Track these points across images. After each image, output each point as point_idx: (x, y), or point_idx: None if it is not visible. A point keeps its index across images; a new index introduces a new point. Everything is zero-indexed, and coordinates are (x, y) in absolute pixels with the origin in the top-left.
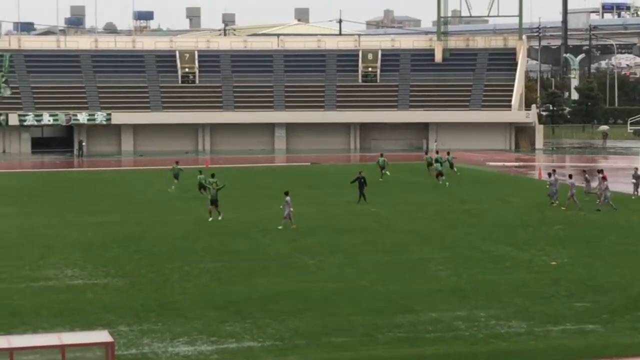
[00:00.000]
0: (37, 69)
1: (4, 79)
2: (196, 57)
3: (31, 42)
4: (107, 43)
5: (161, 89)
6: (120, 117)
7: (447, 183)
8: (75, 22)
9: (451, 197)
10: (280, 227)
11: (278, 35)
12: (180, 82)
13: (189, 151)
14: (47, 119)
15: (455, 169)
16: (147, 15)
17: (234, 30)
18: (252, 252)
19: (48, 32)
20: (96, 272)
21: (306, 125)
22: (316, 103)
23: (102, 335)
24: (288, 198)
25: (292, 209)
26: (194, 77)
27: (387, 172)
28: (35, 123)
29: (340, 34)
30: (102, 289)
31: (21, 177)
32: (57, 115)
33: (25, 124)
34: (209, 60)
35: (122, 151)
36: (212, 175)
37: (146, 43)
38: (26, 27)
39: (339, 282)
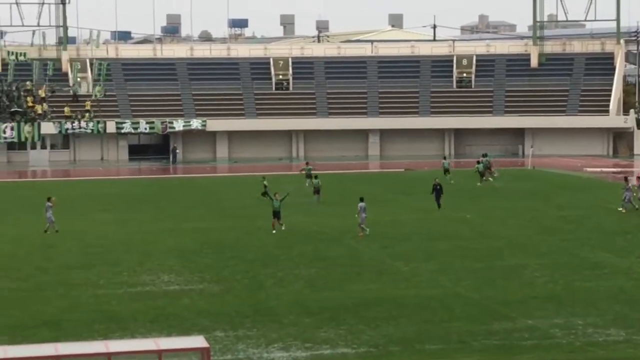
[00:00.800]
0: (134, 77)
1: (99, 85)
2: (290, 64)
3: (128, 51)
4: (203, 51)
5: (255, 96)
6: (215, 124)
7: (480, 184)
8: (171, 30)
9: (547, 204)
10: (361, 234)
11: (372, 41)
12: (274, 88)
13: (282, 157)
14: (143, 126)
15: (494, 172)
16: (241, 23)
17: (328, 36)
18: (346, 259)
19: (145, 41)
20: (192, 278)
21: (400, 131)
22: (410, 109)
23: (198, 341)
24: (362, 204)
25: (365, 215)
26: (288, 83)
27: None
28: (132, 130)
29: (434, 40)
30: (197, 295)
31: (119, 184)
32: (153, 122)
33: (122, 131)
34: (303, 67)
35: (216, 158)
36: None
37: (241, 50)
38: (123, 36)
39: (433, 288)
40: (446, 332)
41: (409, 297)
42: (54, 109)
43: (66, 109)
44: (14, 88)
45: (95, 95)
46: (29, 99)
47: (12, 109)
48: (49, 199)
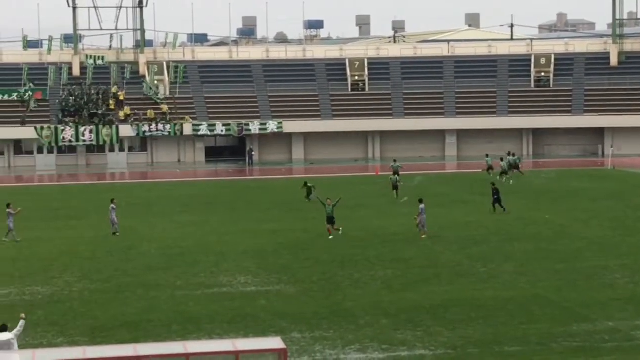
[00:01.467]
0: (211, 80)
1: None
2: (366, 64)
3: (205, 53)
4: (278, 53)
5: (331, 97)
6: (291, 126)
7: (511, 181)
8: (247, 32)
9: (627, 204)
10: (423, 236)
11: (448, 41)
12: (350, 90)
13: (358, 159)
14: (220, 128)
15: (522, 172)
16: (317, 25)
17: (404, 37)
18: (423, 260)
19: (221, 43)
20: (269, 279)
21: (477, 131)
22: (488, 109)
23: (275, 342)
24: (422, 206)
25: (424, 216)
26: (364, 84)
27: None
28: (209, 133)
29: (512, 39)
30: (274, 296)
31: (196, 186)
32: (229, 124)
33: (199, 133)
34: (379, 67)
35: (292, 159)
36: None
37: (316, 52)
38: (200, 39)
39: (512, 290)
40: (525, 334)
41: (487, 298)
42: (136, 111)
43: (149, 112)
44: (93, 92)
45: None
46: (111, 101)
47: (91, 112)
48: (112, 201)
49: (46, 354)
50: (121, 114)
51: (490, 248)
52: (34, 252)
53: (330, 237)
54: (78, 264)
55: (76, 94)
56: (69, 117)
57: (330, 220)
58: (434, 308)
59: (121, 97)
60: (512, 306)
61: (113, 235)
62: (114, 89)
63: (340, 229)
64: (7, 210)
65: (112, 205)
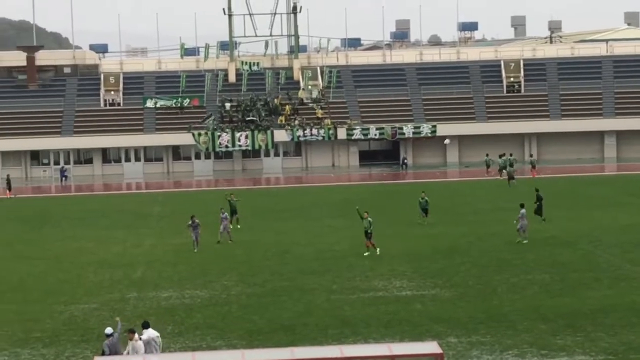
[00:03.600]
0: (364, 83)
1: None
2: (521, 65)
3: (358, 58)
4: (432, 55)
5: (486, 99)
6: (445, 129)
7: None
8: (401, 35)
9: None
10: (525, 242)
11: (607, 40)
12: (505, 91)
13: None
14: (373, 132)
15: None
16: (471, 26)
17: (560, 37)
18: (582, 264)
19: (374, 47)
20: (424, 283)
21: (638, 132)
22: None
23: (431, 347)
24: (523, 210)
25: (526, 222)
26: (520, 86)
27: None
28: (362, 137)
29: None
30: (430, 300)
31: (350, 189)
32: (383, 128)
33: (352, 137)
34: (535, 68)
35: (447, 162)
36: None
37: (470, 54)
38: (353, 43)
39: None
40: None
41: None
42: (293, 117)
43: (318, 111)
44: (249, 98)
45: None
46: (287, 107)
47: (247, 118)
48: (222, 210)
49: (205, 357)
50: (281, 119)
51: None
52: (191, 256)
53: (365, 254)
54: (235, 267)
55: (244, 102)
56: (227, 123)
57: (368, 235)
58: (594, 313)
59: (278, 104)
60: None
61: (226, 242)
62: (280, 99)
63: (378, 249)
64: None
65: (223, 215)
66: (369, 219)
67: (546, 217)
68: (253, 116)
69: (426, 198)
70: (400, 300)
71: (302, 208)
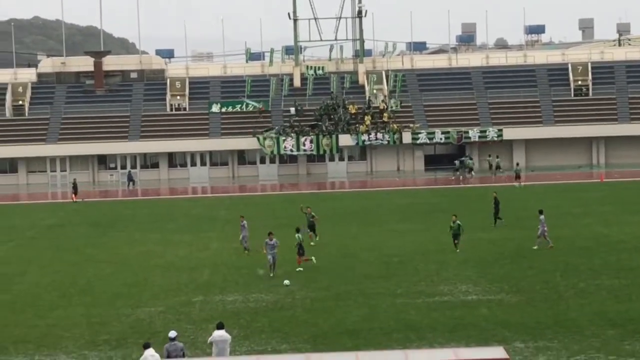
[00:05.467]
0: (429, 87)
1: (394, 98)
2: (589, 69)
3: (423, 61)
4: (498, 59)
5: (553, 103)
6: (511, 133)
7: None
8: (466, 39)
9: None
10: (535, 247)
11: None
12: (572, 95)
13: (581, 165)
14: (439, 136)
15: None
16: (538, 29)
17: (629, 39)
18: None
19: (440, 51)
20: (490, 288)
21: None
22: None
23: (498, 352)
24: (542, 217)
25: (546, 228)
26: (587, 89)
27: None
28: (427, 141)
29: None
30: (496, 305)
31: (415, 194)
32: (448, 132)
33: (418, 142)
34: (603, 71)
35: (513, 167)
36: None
37: (537, 57)
38: (418, 47)
39: None
40: None
41: None
42: (356, 122)
43: (364, 124)
44: (322, 103)
45: (392, 107)
46: (370, 116)
47: (312, 123)
48: (242, 217)
49: None
50: (362, 128)
51: None
52: (258, 259)
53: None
54: (299, 272)
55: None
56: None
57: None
58: None
59: (352, 110)
60: None
61: (247, 251)
62: (352, 108)
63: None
64: (242, 222)
65: (243, 223)
66: (458, 222)
67: (496, 223)
68: (333, 121)
69: (458, 222)
70: (466, 304)
71: (366, 212)
